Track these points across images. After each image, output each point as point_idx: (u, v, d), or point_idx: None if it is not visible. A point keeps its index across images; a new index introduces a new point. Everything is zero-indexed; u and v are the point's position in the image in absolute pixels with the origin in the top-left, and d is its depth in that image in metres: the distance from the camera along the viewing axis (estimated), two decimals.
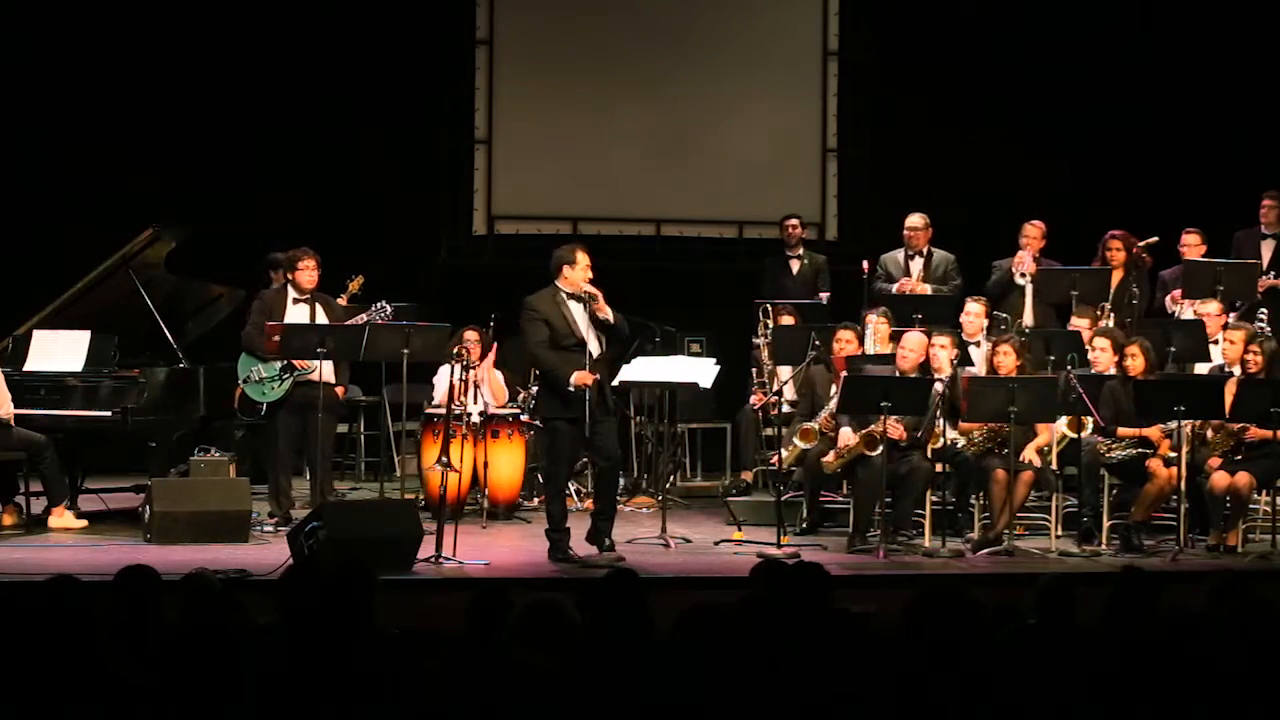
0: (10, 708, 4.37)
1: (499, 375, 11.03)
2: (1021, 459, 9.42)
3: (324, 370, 9.97)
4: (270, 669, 4.48)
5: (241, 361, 10.15)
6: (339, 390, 10.49)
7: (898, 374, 9.59)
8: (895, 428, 9.38)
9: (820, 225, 13.89)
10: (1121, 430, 9.57)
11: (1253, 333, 9.95)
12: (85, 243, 10.82)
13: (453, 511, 9.24)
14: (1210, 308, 10.61)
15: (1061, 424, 9.65)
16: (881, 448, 9.35)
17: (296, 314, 10.12)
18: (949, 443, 9.55)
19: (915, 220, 11.74)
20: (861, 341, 10.49)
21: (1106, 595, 5.07)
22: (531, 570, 8.75)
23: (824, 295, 12.01)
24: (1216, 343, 10.39)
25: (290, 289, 10.21)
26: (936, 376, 9.59)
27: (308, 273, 10.16)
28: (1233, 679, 4.49)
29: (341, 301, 10.55)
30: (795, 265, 12.38)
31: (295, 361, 9.98)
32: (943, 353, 9.79)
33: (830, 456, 9.66)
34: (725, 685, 4.27)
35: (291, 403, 10.09)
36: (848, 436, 9.56)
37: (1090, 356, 10.01)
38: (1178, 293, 11.16)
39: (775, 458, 10.13)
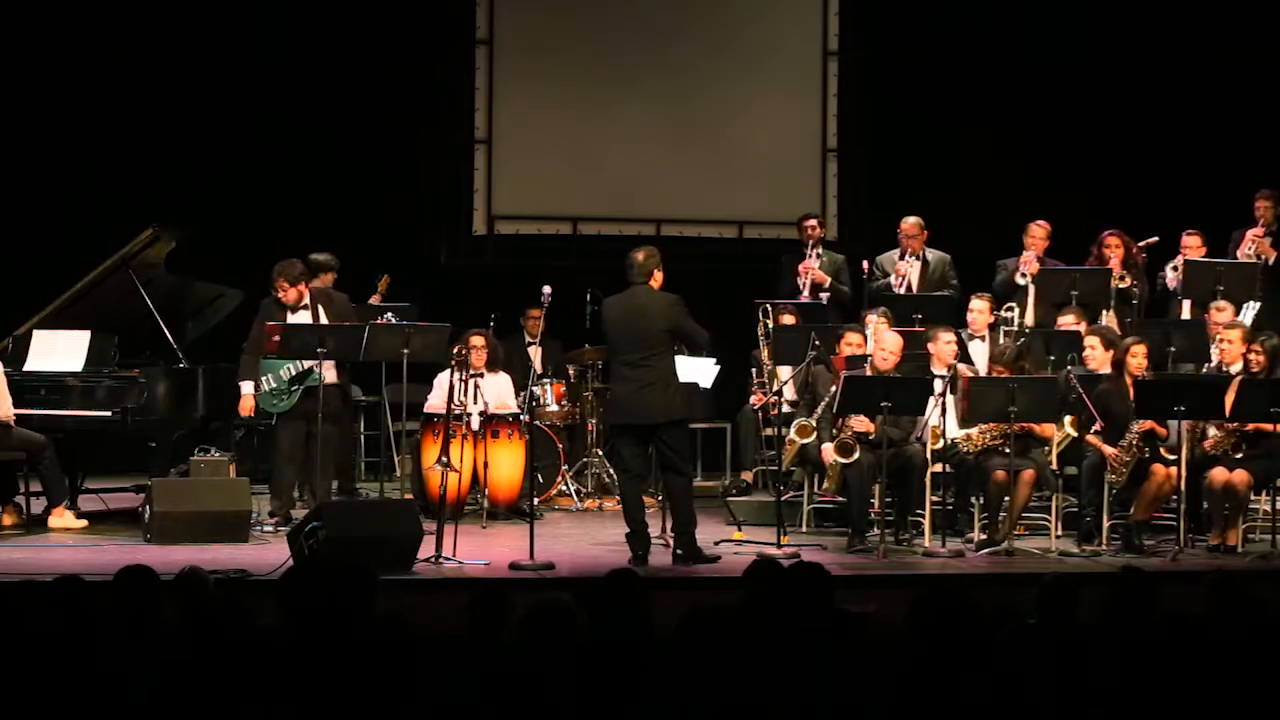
0: (11, 707, 4.37)
1: (506, 379, 10.98)
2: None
3: (326, 373, 9.96)
4: (271, 669, 4.48)
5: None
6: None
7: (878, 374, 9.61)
8: (860, 422, 9.45)
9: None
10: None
11: (1250, 332, 9.94)
12: (85, 243, 10.83)
13: (453, 511, 9.24)
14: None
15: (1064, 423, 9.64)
16: (858, 450, 9.39)
17: (298, 318, 10.08)
18: (949, 443, 9.56)
19: (910, 223, 11.66)
20: (865, 342, 10.47)
21: (1106, 595, 5.08)
22: (533, 570, 8.74)
23: (824, 296, 11.97)
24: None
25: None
26: (936, 374, 9.60)
27: (283, 293, 10.06)
28: (1232, 679, 4.49)
29: (375, 300, 10.87)
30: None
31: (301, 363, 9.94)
32: (945, 349, 9.80)
33: (826, 483, 9.74)
34: (726, 686, 4.27)
35: (294, 409, 10.06)
36: (829, 452, 9.59)
37: (1083, 355, 10.01)
38: (1179, 259, 11.16)
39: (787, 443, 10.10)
